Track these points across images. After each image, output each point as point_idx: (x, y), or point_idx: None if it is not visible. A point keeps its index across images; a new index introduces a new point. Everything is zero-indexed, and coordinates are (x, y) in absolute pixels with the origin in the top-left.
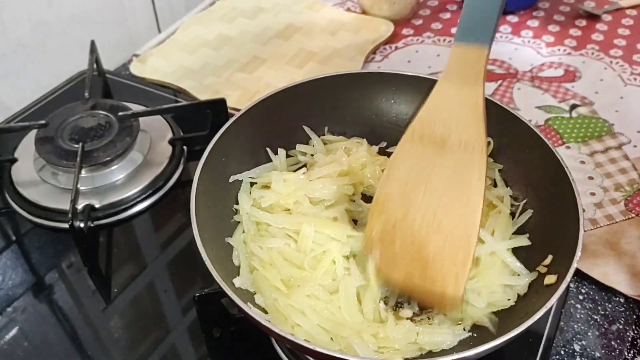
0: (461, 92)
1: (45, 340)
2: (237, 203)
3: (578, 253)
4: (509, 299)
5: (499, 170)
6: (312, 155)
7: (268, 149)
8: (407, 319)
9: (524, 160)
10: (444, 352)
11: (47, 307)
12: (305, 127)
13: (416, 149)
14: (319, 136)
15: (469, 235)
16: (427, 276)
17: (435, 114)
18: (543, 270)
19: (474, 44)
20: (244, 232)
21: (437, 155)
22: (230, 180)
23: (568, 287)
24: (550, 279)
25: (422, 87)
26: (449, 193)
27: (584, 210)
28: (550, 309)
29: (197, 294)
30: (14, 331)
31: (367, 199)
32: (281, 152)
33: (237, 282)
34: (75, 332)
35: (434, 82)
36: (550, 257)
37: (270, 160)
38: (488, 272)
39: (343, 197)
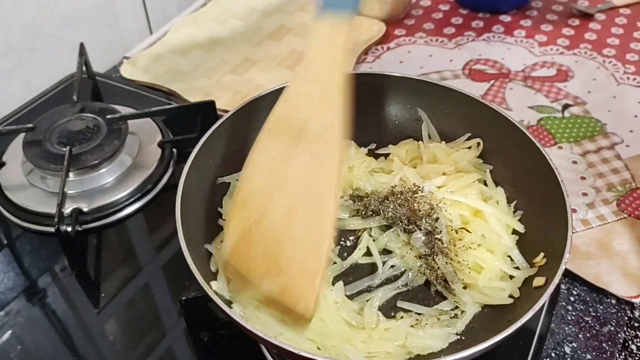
0: (321, 73)
1: (38, 343)
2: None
3: (567, 254)
4: (503, 289)
5: (490, 172)
6: None
7: None
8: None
9: (513, 160)
10: (432, 355)
11: (40, 311)
12: None
13: (272, 142)
14: None
15: (318, 244)
16: (281, 287)
17: (293, 102)
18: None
19: (334, 15)
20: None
21: (293, 149)
22: (218, 182)
23: (559, 288)
24: (539, 281)
25: (410, 88)
26: (302, 193)
27: (575, 211)
28: (541, 310)
29: (183, 298)
30: (7, 335)
31: (357, 199)
32: None
33: (215, 285)
34: (68, 336)
35: (422, 82)
36: (542, 255)
37: None
38: (492, 248)
39: None
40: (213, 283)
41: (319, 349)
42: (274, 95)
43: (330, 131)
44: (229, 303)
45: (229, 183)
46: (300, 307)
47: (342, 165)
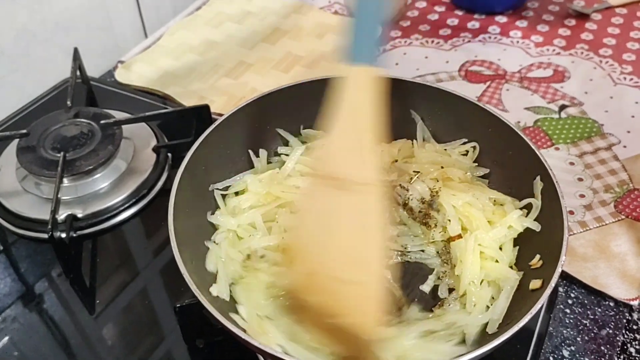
0: (355, 125)
1: (35, 349)
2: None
3: (563, 257)
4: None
5: (486, 175)
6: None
7: (250, 152)
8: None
9: (508, 163)
10: None
11: (36, 317)
12: (279, 130)
13: (321, 191)
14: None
15: (373, 284)
16: (343, 329)
17: (332, 154)
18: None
19: (359, 66)
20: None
21: (339, 198)
22: (210, 189)
23: (556, 291)
24: (535, 284)
25: (404, 90)
26: (352, 237)
27: (572, 213)
28: (539, 313)
29: (177, 305)
30: (3, 341)
31: None
32: (262, 152)
33: (214, 289)
34: (64, 342)
35: (416, 84)
36: (538, 257)
37: (252, 167)
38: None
39: None
40: (213, 287)
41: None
42: (268, 99)
43: (370, 185)
44: (228, 308)
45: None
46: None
47: (383, 214)
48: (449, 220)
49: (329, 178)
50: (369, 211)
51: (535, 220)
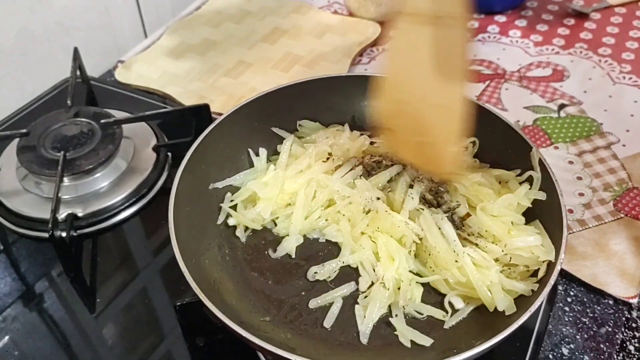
0: None
1: (36, 349)
2: (219, 211)
3: (562, 254)
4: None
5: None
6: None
7: (250, 150)
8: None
9: (507, 161)
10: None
11: (37, 316)
12: (274, 129)
13: (409, 28)
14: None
15: (457, 106)
16: (429, 145)
17: None
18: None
19: None
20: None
21: (426, 32)
22: (210, 188)
23: (556, 289)
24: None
25: None
26: (438, 66)
27: (572, 212)
28: (538, 312)
29: (178, 303)
30: (4, 341)
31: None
32: (262, 152)
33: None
34: (65, 341)
35: None
36: None
37: (251, 166)
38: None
39: None
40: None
41: None
42: (268, 98)
43: (459, 17)
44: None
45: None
46: (445, 167)
47: (466, 45)
48: (458, 202)
49: (415, 14)
50: (454, 43)
51: (535, 219)
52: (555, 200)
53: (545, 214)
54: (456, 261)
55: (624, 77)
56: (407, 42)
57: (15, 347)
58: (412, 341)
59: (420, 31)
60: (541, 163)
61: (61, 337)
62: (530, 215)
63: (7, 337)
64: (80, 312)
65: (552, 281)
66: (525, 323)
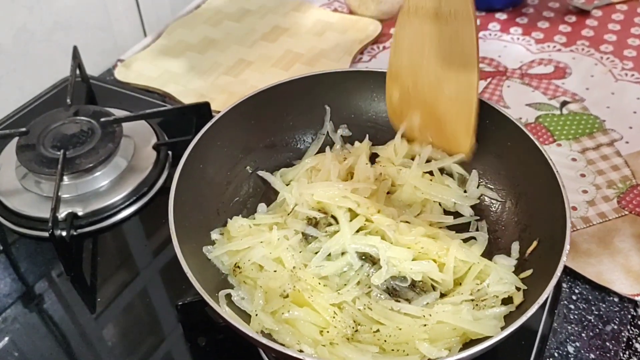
0: None
1: (36, 349)
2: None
3: (566, 249)
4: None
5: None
6: None
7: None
8: None
9: (511, 158)
10: None
11: (37, 316)
12: (260, 172)
13: (413, 21)
14: (295, 141)
15: (470, 93)
16: (443, 128)
17: None
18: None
19: None
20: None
21: (432, 26)
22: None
23: (560, 287)
24: (527, 274)
25: None
26: (446, 59)
27: (575, 209)
28: (542, 309)
29: (179, 303)
30: (4, 341)
31: None
32: (261, 206)
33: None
34: (65, 342)
35: None
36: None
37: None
38: None
39: None
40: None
41: None
42: (266, 94)
43: (465, 12)
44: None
45: (223, 185)
46: (460, 147)
47: (475, 41)
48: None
49: (424, 9)
50: (459, 39)
51: (539, 217)
52: (558, 198)
53: (549, 211)
54: (425, 325)
55: (626, 74)
56: (414, 37)
57: (15, 348)
58: None
59: (427, 25)
60: (545, 160)
61: (61, 338)
62: (533, 214)
63: (7, 338)
64: (80, 312)
65: (555, 278)
66: (530, 321)
